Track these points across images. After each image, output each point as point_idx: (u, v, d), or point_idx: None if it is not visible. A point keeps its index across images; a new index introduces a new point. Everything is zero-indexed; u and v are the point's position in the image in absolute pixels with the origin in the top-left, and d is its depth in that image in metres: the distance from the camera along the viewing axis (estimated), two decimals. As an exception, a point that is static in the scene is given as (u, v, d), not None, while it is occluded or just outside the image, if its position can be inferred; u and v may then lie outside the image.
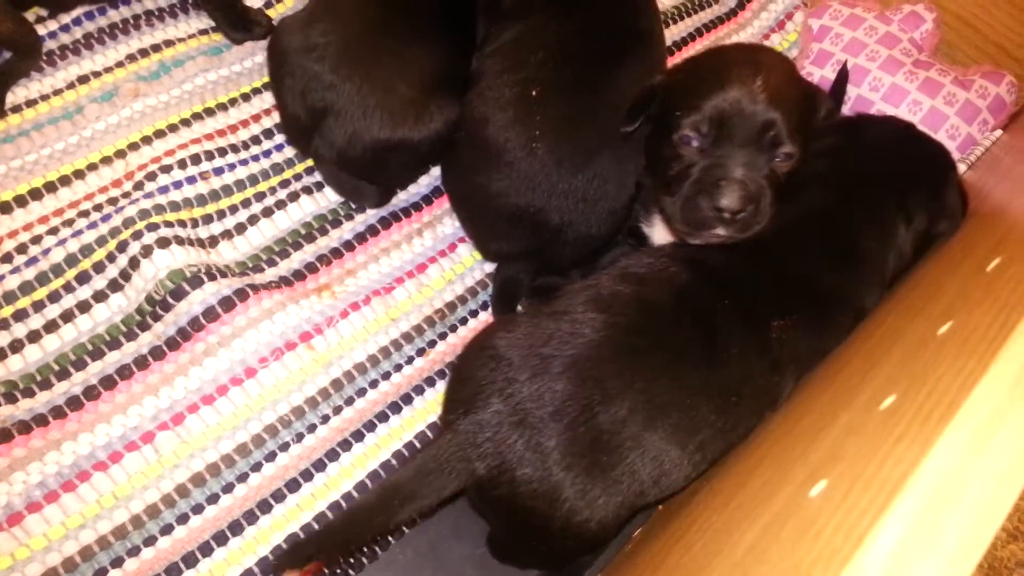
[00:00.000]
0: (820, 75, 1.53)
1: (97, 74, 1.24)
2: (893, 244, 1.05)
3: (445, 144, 1.19)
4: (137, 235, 1.10)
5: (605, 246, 1.21)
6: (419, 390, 1.13)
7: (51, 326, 1.05)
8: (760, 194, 0.96)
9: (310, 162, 1.26)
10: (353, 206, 1.25)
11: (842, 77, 1.50)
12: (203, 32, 1.32)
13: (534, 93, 1.10)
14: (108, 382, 1.03)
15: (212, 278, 1.09)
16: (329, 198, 1.25)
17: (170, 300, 1.07)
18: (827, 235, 1.04)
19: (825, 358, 1.00)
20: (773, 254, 1.00)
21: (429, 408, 1.12)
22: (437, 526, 1.07)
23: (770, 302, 0.95)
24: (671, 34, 1.54)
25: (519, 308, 1.19)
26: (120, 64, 1.26)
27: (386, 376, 1.13)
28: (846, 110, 1.51)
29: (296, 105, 1.17)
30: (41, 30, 1.24)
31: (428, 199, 1.29)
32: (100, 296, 1.08)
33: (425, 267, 1.23)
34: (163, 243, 1.09)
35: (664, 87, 1.05)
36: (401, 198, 1.28)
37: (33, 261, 1.08)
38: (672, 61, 1.51)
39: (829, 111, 1.15)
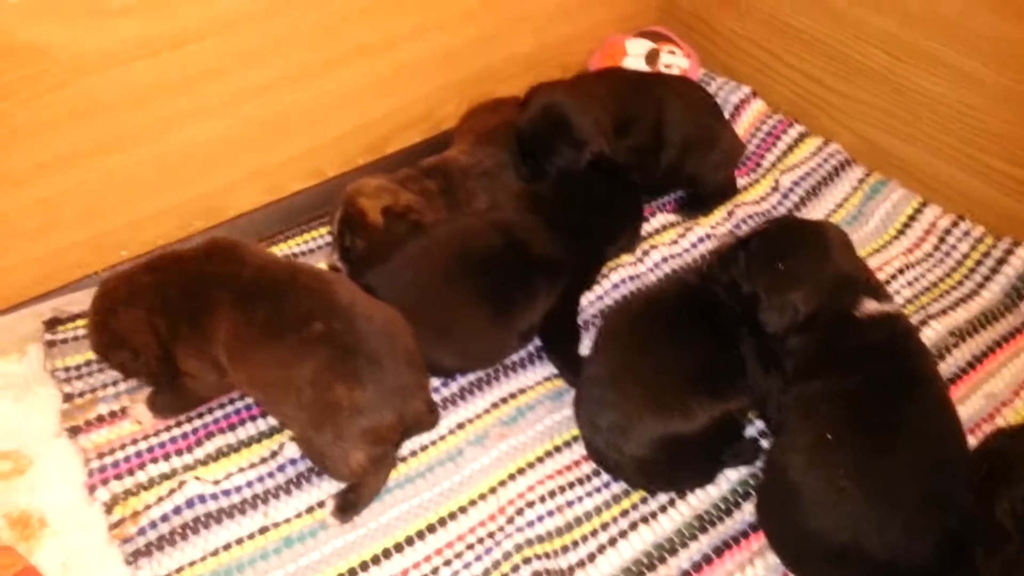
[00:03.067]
0: None
1: (471, 420, 1.54)
2: None
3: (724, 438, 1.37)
4: (515, 568, 1.30)
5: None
6: None
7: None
8: None
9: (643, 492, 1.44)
10: (687, 533, 1.38)
11: None
12: (547, 379, 1.61)
13: (829, 436, 1.23)
14: None
15: (578, 610, 1.25)
16: (664, 527, 1.39)
17: (545, 631, 1.23)
18: None
19: None
20: None
21: None
22: None
23: None
24: (967, 350, 1.61)
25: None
26: (487, 411, 1.56)
27: None
28: None
29: (583, 429, 1.41)
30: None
31: (754, 526, 1.39)
32: (487, 625, 1.27)
33: (763, 597, 1.30)
34: (537, 575, 1.28)
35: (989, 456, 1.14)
36: (728, 525, 1.40)
37: (434, 591, 1.31)
38: (970, 378, 1.57)
39: None
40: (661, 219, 1.90)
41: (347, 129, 1.92)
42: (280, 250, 1.84)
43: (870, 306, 1.28)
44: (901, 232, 1.86)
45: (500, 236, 1.54)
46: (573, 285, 1.61)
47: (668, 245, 1.82)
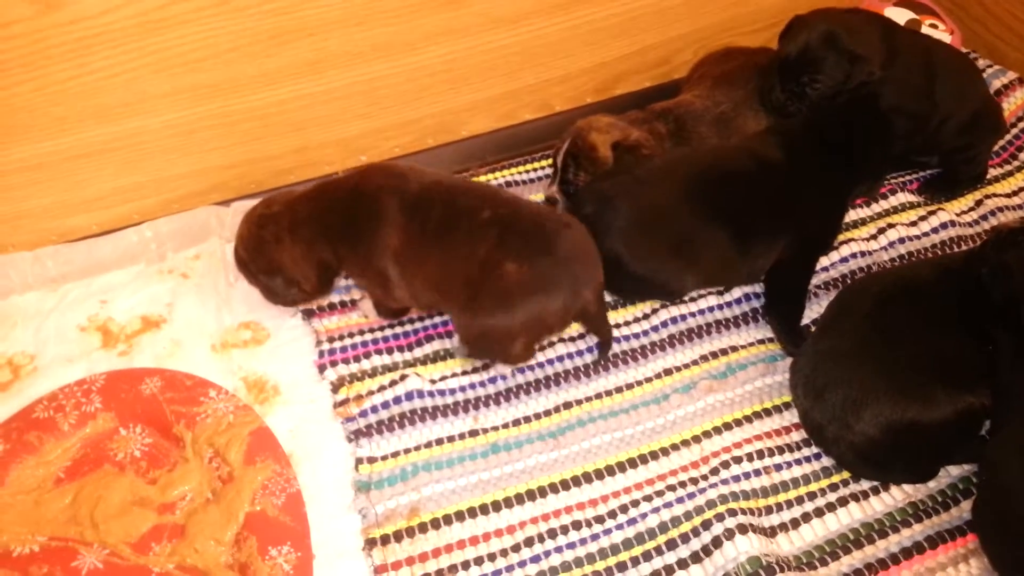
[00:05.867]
0: None
1: (678, 368, 1.54)
2: None
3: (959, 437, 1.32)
4: (719, 517, 1.29)
5: None
6: None
7: (640, 584, 1.27)
8: None
9: (857, 469, 1.39)
10: (898, 518, 1.33)
11: None
12: (761, 341, 1.58)
13: None
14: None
15: (782, 570, 1.23)
16: (875, 507, 1.34)
17: (745, 582, 1.23)
18: None
19: None
20: None
21: None
22: None
23: None
24: None
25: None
26: (695, 362, 1.55)
27: None
28: None
29: (803, 399, 1.37)
30: (636, 328, 1.60)
31: (972, 525, 1.32)
32: (683, 564, 1.27)
33: (973, 597, 1.24)
34: (742, 529, 1.27)
35: None
36: (944, 519, 1.33)
37: (633, 522, 1.33)
38: None
39: None
40: (902, 198, 1.80)
41: (582, 67, 1.94)
42: (501, 177, 1.89)
43: None
44: None
45: (754, 162, 1.51)
46: (814, 241, 1.57)
47: (907, 226, 1.72)
